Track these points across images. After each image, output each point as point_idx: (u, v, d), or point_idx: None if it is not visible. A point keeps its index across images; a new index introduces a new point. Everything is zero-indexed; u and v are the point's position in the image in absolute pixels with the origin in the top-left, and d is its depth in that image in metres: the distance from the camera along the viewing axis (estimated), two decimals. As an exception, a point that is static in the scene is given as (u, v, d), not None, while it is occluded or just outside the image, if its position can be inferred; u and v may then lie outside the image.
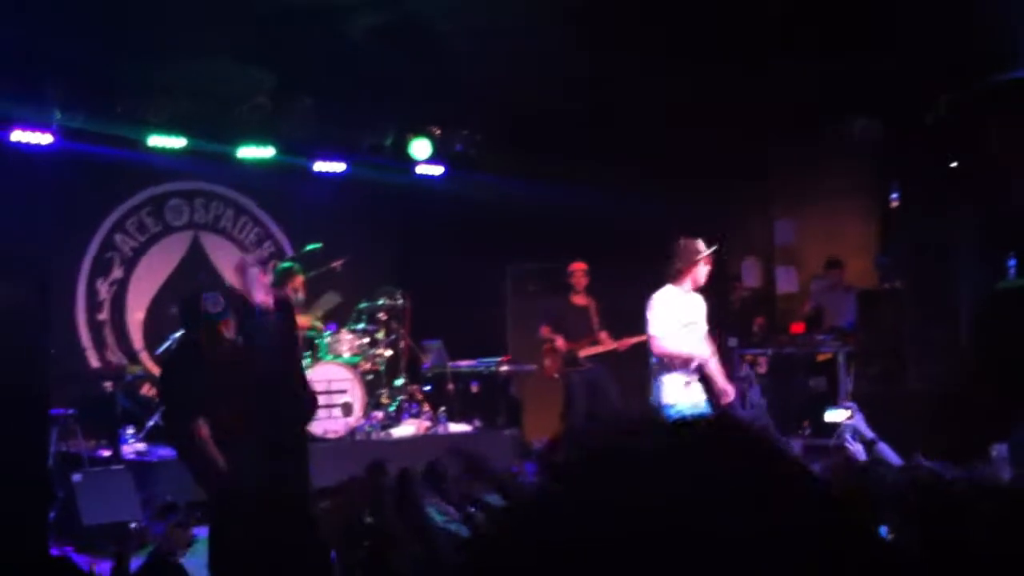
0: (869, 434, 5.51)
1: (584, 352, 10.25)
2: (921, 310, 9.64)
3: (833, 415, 5.90)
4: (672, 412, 6.87)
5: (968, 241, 9.49)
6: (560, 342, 10.30)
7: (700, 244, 7.02)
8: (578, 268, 10.47)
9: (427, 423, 10.03)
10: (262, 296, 6.72)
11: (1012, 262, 9.11)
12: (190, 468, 6.48)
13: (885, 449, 5.34)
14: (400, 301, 10.50)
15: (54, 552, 6.84)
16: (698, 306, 7.14)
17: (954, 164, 9.91)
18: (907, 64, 9.16)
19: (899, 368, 9.71)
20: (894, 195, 10.69)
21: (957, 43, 8.83)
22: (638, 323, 10.38)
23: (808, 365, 10.43)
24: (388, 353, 10.30)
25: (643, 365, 10.51)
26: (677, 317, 6.94)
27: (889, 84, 9.65)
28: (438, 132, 11.85)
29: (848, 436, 5.47)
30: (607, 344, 10.26)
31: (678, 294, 7.00)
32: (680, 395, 6.96)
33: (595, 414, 10.04)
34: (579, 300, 10.48)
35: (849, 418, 5.86)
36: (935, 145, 9.89)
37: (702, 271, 6.98)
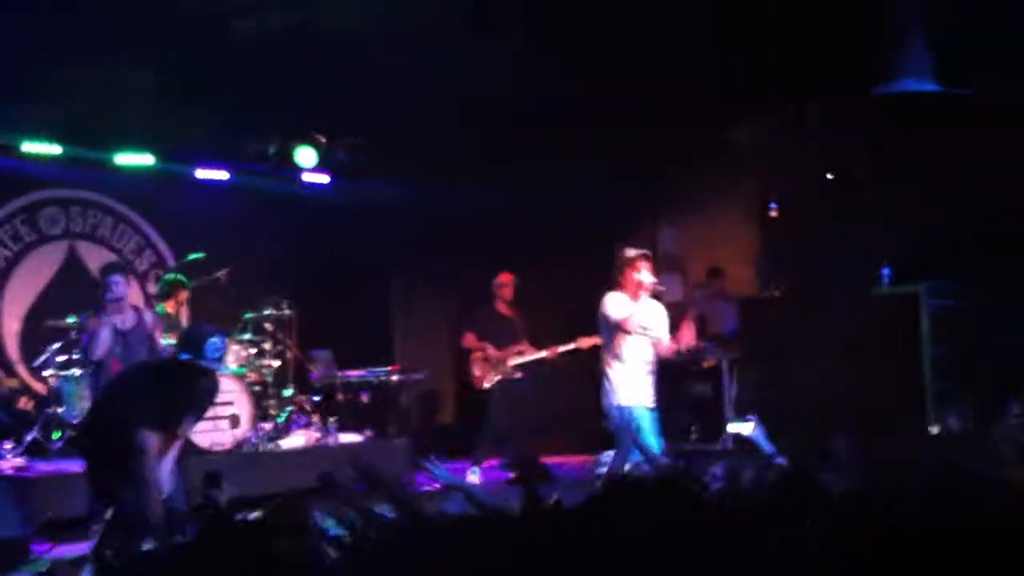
0: (768, 448, 5.64)
1: (512, 361, 10.30)
2: (800, 316, 9.92)
3: (737, 427, 6.05)
4: (628, 412, 7.13)
5: (844, 249, 9.79)
6: (491, 351, 10.32)
7: (629, 251, 7.45)
8: (508, 279, 10.49)
9: (317, 434, 9.93)
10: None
11: (887, 271, 9.45)
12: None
13: (782, 463, 5.47)
14: (287, 311, 10.38)
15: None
16: (650, 312, 7.39)
17: (830, 176, 10.25)
18: (787, 70, 9.43)
19: (780, 373, 9.97)
20: (773, 204, 10.99)
21: (834, 53, 9.12)
22: (555, 331, 10.57)
23: (694, 372, 10.64)
24: (276, 364, 10.18)
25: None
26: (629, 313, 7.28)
27: (769, 92, 9.90)
28: (323, 140, 11.77)
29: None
30: (533, 352, 10.33)
31: (625, 299, 7.33)
32: (635, 395, 7.17)
33: (516, 426, 10.11)
34: (505, 309, 10.51)
35: (752, 430, 6.00)
36: (811, 156, 10.20)
37: (636, 277, 7.25)
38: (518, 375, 10.34)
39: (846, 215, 9.74)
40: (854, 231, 9.72)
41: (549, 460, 10.11)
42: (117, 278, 8.09)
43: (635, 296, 7.38)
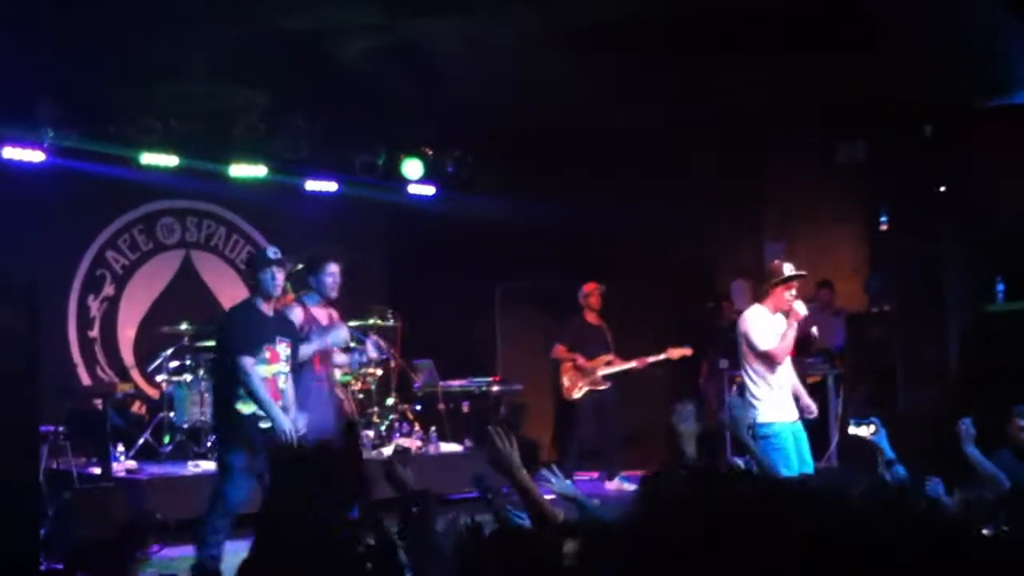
0: (890, 454, 5.51)
1: (601, 372, 10.35)
2: (910, 333, 9.69)
3: (858, 429, 5.91)
4: (767, 431, 7.03)
5: (957, 264, 9.55)
6: (581, 361, 10.37)
7: (783, 268, 7.24)
8: (594, 288, 10.54)
9: (418, 442, 10.02)
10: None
11: (1000, 286, 9.18)
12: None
13: (901, 471, 5.35)
14: (391, 320, 10.51)
15: (44, 568, 6.85)
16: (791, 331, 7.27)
17: (942, 188, 10.00)
18: (895, 87, 9.25)
19: (888, 391, 9.74)
20: (883, 218, 10.77)
21: (944, 68, 8.92)
22: (641, 342, 10.55)
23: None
24: (379, 372, 10.31)
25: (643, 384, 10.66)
26: (773, 330, 7.16)
27: (878, 107, 9.74)
28: (430, 152, 11.90)
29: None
30: (622, 363, 10.35)
31: (765, 313, 7.19)
32: (776, 413, 7.12)
33: (602, 436, 10.12)
34: (594, 319, 10.56)
35: (874, 433, 5.84)
36: (923, 168, 9.97)
37: (783, 295, 7.14)
38: (607, 385, 10.35)
39: (958, 229, 9.49)
40: (966, 245, 9.47)
41: (631, 473, 10.05)
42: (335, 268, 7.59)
43: (776, 310, 7.21)
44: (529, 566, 2.41)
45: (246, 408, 6.53)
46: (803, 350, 10.78)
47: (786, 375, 7.32)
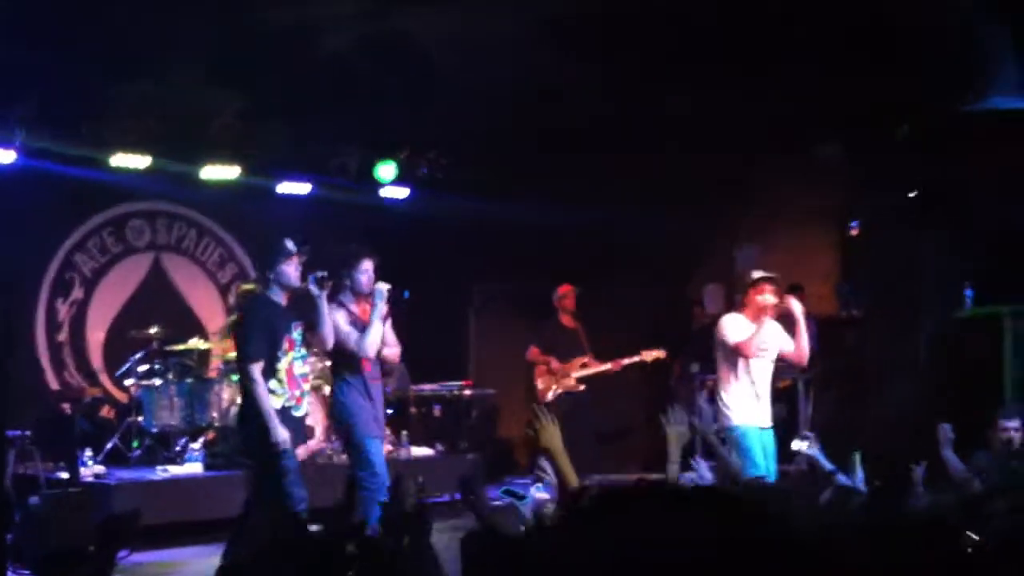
0: (828, 466, 5.56)
1: (576, 374, 10.35)
2: (881, 337, 9.75)
3: (796, 444, 5.99)
4: (734, 433, 7.11)
5: (927, 269, 9.61)
6: (555, 364, 10.37)
7: (753, 273, 7.57)
8: (568, 290, 10.56)
9: (389, 447, 9.98)
10: None
11: (969, 292, 9.25)
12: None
13: (844, 480, 5.38)
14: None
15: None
16: (769, 333, 7.41)
17: (913, 194, 10.05)
18: (869, 91, 9.29)
19: (859, 394, 9.81)
20: (854, 223, 10.82)
21: (919, 71, 8.96)
22: (614, 345, 10.56)
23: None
24: (351, 376, 10.25)
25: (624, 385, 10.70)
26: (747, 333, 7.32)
27: (851, 111, 9.78)
28: (404, 154, 11.87)
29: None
30: (597, 365, 10.36)
31: (743, 320, 7.38)
32: (745, 417, 7.26)
33: (575, 438, 10.08)
34: (569, 322, 10.57)
35: (809, 447, 5.91)
36: (895, 174, 10.03)
37: (760, 299, 7.31)
38: (581, 388, 10.36)
39: (929, 234, 9.55)
40: (937, 251, 9.53)
41: (603, 476, 10.07)
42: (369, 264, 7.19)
43: (756, 318, 7.35)
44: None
45: (277, 402, 6.45)
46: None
47: (762, 381, 7.38)
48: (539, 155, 11.16)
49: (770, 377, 7.48)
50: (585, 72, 9.63)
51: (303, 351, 6.72)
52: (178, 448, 9.48)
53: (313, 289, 6.59)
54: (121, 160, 10.31)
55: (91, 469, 8.85)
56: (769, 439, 7.45)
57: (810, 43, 9.03)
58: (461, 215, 11.65)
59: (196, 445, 9.39)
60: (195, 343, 10.00)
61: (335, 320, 6.79)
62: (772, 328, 7.47)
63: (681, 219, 11.28)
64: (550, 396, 10.44)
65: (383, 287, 6.83)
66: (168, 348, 9.84)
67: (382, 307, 6.86)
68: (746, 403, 7.32)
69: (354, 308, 6.97)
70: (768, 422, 7.47)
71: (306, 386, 6.74)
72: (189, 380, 9.75)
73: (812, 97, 9.73)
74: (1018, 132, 8.78)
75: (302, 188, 11.64)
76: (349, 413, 6.93)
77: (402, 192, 12.12)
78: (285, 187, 11.59)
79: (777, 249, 11.79)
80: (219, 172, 10.95)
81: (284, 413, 6.47)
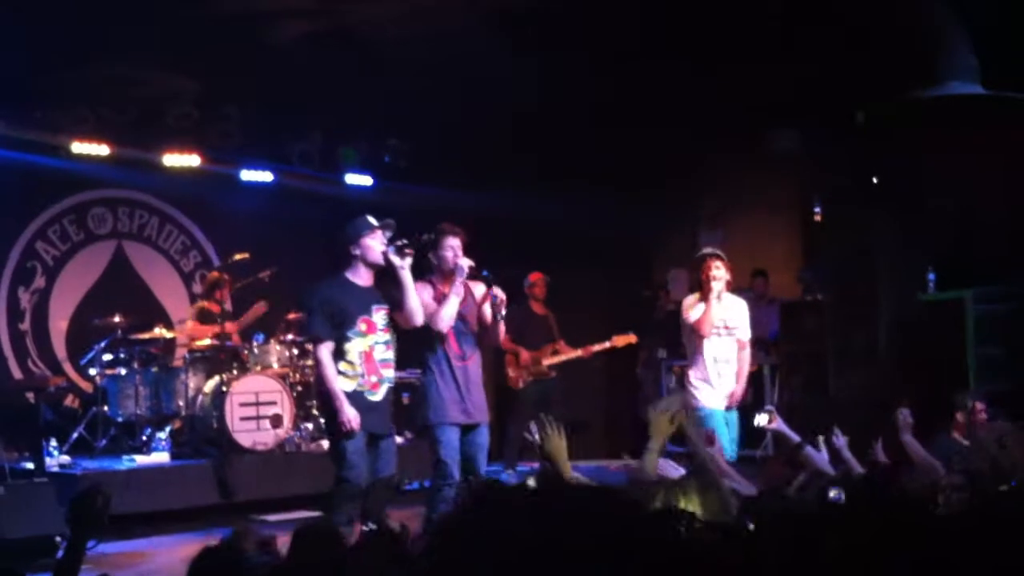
0: (795, 437, 5.62)
1: (547, 361, 10.39)
2: (843, 321, 9.85)
3: (758, 420, 6.03)
4: (699, 414, 7.27)
5: (889, 254, 9.72)
6: (524, 353, 10.39)
7: (703, 251, 7.71)
8: (537, 278, 10.59)
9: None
10: None
11: (932, 276, 9.36)
12: None
13: (811, 452, 5.45)
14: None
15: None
16: (730, 310, 7.52)
17: (875, 180, 10.15)
18: (828, 76, 9.37)
19: (821, 377, 9.91)
20: (816, 208, 10.91)
21: (875, 57, 9.04)
22: (580, 332, 10.60)
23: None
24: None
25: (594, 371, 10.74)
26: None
27: (811, 96, 9.85)
28: (366, 143, 11.85)
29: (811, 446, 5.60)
30: (569, 352, 10.40)
31: (695, 300, 7.48)
32: (709, 398, 7.35)
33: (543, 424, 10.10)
34: (539, 309, 10.60)
35: (770, 422, 5.96)
36: (856, 158, 10.11)
37: (708, 276, 7.38)
38: (552, 375, 10.41)
39: (891, 219, 9.65)
40: (899, 235, 9.64)
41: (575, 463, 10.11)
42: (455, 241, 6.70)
43: (705, 298, 7.41)
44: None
45: (348, 385, 6.18)
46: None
47: (724, 362, 7.46)
48: (502, 145, 11.16)
49: (733, 355, 7.51)
50: (540, 62, 9.65)
51: (387, 336, 6.34)
52: (144, 438, 9.43)
53: (395, 259, 6.20)
54: (81, 148, 10.24)
55: (56, 459, 8.78)
56: (733, 419, 7.51)
57: (765, 30, 9.10)
58: (425, 203, 11.63)
59: (162, 434, 9.34)
60: (160, 331, 9.93)
61: (419, 294, 6.41)
62: (730, 305, 7.54)
63: (644, 206, 11.34)
64: (521, 383, 10.47)
65: (465, 262, 6.48)
66: (132, 336, 9.77)
67: (460, 282, 6.51)
68: (709, 383, 7.39)
69: (442, 288, 6.59)
70: (730, 403, 7.52)
71: (387, 372, 6.35)
72: (154, 369, 9.71)
73: (768, 86, 9.81)
74: (976, 118, 8.88)
75: (265, 176, 11.59)
76: (421, 398, 6.65)
77: (366, 180, 12.09)
78: (248, 175, 11.54)
79: (740, 234, 11.89)
80: (180, 160, 10.90)
81: (356, 396, 6.17)
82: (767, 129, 11.12)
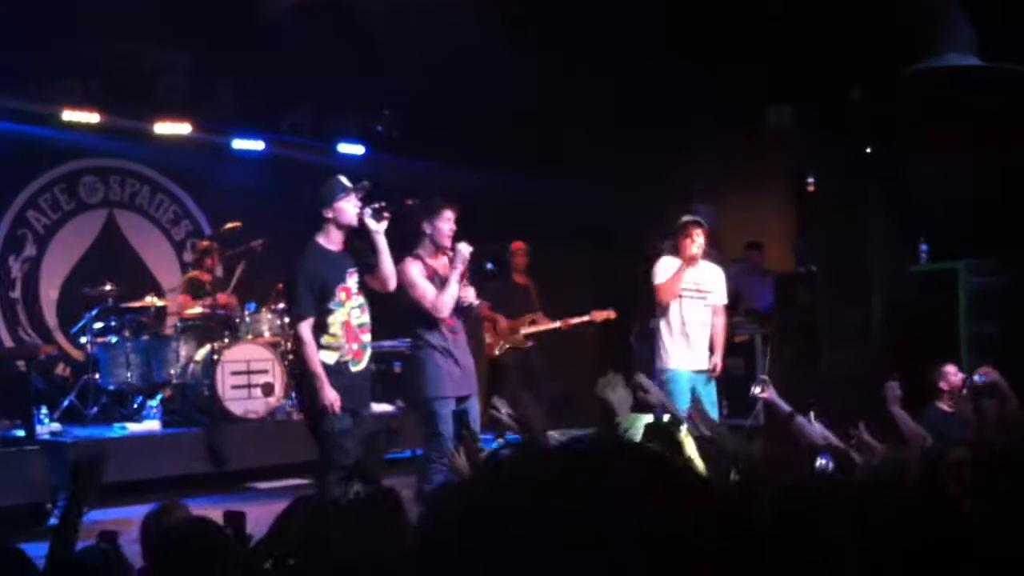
0: (786, 408, 5.61)
1: (524, 331, 10.36)
2: (835, 293, 9.83)
3: (753, 390, 6.02)
4: (664, 376, 7.28)
5: (882, 226, 9.69)
6: (502, 322, 10.35)
7: (683, 218, 7.78)
8: (519, 247, 10.55)
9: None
10: None
11: (924, 247, 9.35)
12: None
13: (803, 422, 5.44)
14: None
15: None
16: (706, 275, 7.65)
17: (868, 150, 10.12)
18: (821, 49, 9.33)
19: (813, 350, 9.90)
20: (810, 179, 10.89)
21: (871, 30, 9.00)
22: (571, 305, 10.58)
23: (726, 346, 10.58)
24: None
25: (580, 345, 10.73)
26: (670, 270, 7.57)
27: (805, 71, 9.81)
28: (359, 112, 11.79)
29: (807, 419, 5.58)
30: (547, 323, 10.37)
31: (670, 260, 7.63)
32: (675, 360, 7.42)
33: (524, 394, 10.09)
34: (519, 279, 10.56)
35: (763, 391, 5.94)
36: (850, 131, 10.08)
37: (687, 243, 7.53)
38: (528, 344, 10.36)
39: (884, 190, 9.63)
40: (892, 206, 9.62)
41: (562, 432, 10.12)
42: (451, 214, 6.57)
43: (689, 262, 7.51)
44: None
45: (330, 357, 6.03)
46: (731, 311, 10.94)
47: (695, 324, 7.54)
48: (495, 120, 11.11)
49: (706, 319, 7.60)
50: (535, 37, 9.61)
51: (360, 299, 6.16)
52: (135, 406, 9.42)
53: (371, 223, 6.02)
54: (72, 116, 10.19)
55: (47, 427, 8.78)
56: (702, 382, 7.48)
57: (758, 5, 9.07)
58: (417, 175, 11.60)
59: (153, 403, 9.33)
60: (151, 300, 9.90)
61: (411, 274, 6.37)
62: (705, 270, 7.65)
63: (638, 180, 11.29)
64: (496, 351, 10.43)
65: (465, 249, 6.39)
66: (123, 305, 9.74)
67: (461, 268, 6.41)
68: (677, 346, 7.43)
69: (431, 261, 6.52)
70: (702, 364, 7.58)
71: (366, 337, 6.17)
72: (145, 337, 9.68)
73: (762, 60, 9.77)
74: (973, 89, 8.85)
75: (256, 145, 11.54)
76: (416, 371, 6.56)
77: (358, 149, 12.05)
78: (239, 144, 11.49)
79: (734, 207, 11.86)
80: (171, 128, 10.85)
81: (339, 369, 6.03)
82: (762, 104, 11.07)
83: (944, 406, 6.90)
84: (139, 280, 10.79)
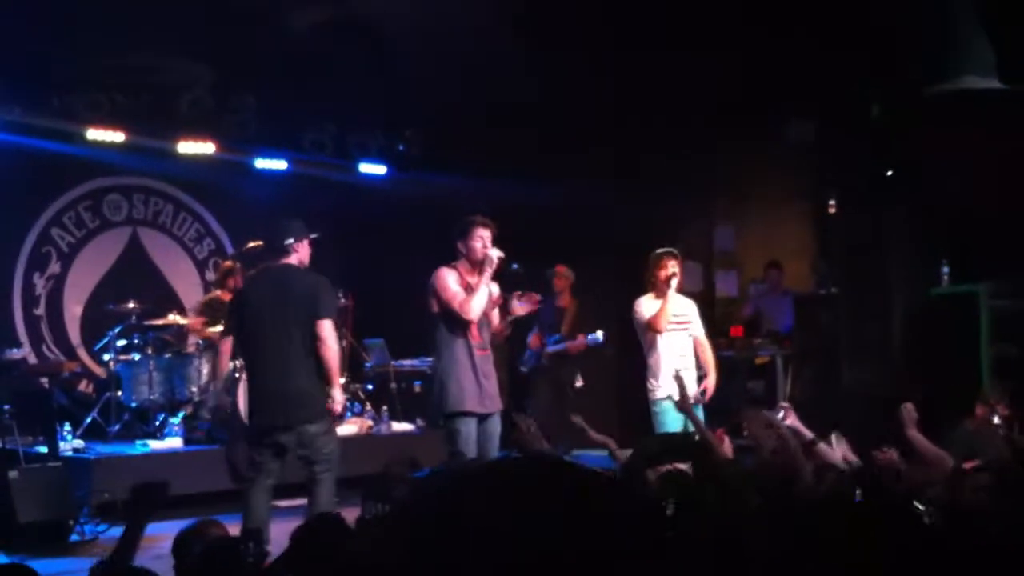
0: (808, 434, 5.61)
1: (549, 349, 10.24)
2: (855, 314, 9.81)
3: (777, 416, 6.02)
4: (655, 408, 7.37)
5: (903, 246, 9.67)
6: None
7: (658, 251, 7.68)
8: (560, 270, 10.40)
9: (369, 422, 10.00)
10: None
11: (945, 269, 9.32)
12: None
13: (825, 448, 5.45)
14: (342, 299, 10.45)
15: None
16: (679, 306, 7.62)
17: (889, 172, 10.11)
18: (843, 68, 9.34)
19: (834, 371, 9.87)
20: (831, 200, 10.87)
21: (892, 48, 9.02)
22: (601, 324, 10.54)
23: (747, 368, 10.58)
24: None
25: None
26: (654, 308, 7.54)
27: (825, 88, 9.82)
28: (382, 131, 11.86)
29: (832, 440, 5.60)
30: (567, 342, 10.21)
31: (648, 298, 7.60)
32: (665, 392, 7.31)
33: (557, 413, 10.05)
34: (561, 302, 10.37)
35: (784, 418, 5.94)
36: (871, 150, 10.08)
37: (662, 274, 7.53)
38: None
39: (903, 212, 9.61)
40: (913, 229, 9.60)
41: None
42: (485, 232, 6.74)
43: (662, 294, 7.53)
44: None
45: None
46: (753, 331, 10.93)
47: (680, 355, 7.52)
48: (515, 135, 11.13)
49: (689, 350, 7.60)
50: (556, 53, 9.65)
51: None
52: (157, 423, 9.47)
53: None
54: (97, 135, 10.28)
55: (70, 444, 8.82)
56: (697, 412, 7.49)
57: (780, 21, 9.08)
58: (438, 192, 11.65)
59: (175, 420, 9.37)
60: (173, 318, 9.96)
61: (444, 278, 6.59)
62: (680, 302, 7.66)
63: (658, 198, 11.29)
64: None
65: (495, 253, 6.57)
66: (146, 323, 9.81)
67: (490, 272, 6.58)
68: (665, 378, 7.37)
69: (467, 276, 6.65)
70: (691, 392, 7.54)
71: None
72: (167, 355, 9.74)
73: (783, 78, 9.79)
74: (991, 112, 8.84)
75: (279, 164, 11.62)
76: (439, 385, 6.66)
77: (379, 169, 12.11)
78: (262, 163, 11.57)
79: (754, 227, 11.85)
80: (194, 147, 10.93)
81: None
82: (783, 121, 11.07)
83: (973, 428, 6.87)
84: (162, 298, 10.86)
